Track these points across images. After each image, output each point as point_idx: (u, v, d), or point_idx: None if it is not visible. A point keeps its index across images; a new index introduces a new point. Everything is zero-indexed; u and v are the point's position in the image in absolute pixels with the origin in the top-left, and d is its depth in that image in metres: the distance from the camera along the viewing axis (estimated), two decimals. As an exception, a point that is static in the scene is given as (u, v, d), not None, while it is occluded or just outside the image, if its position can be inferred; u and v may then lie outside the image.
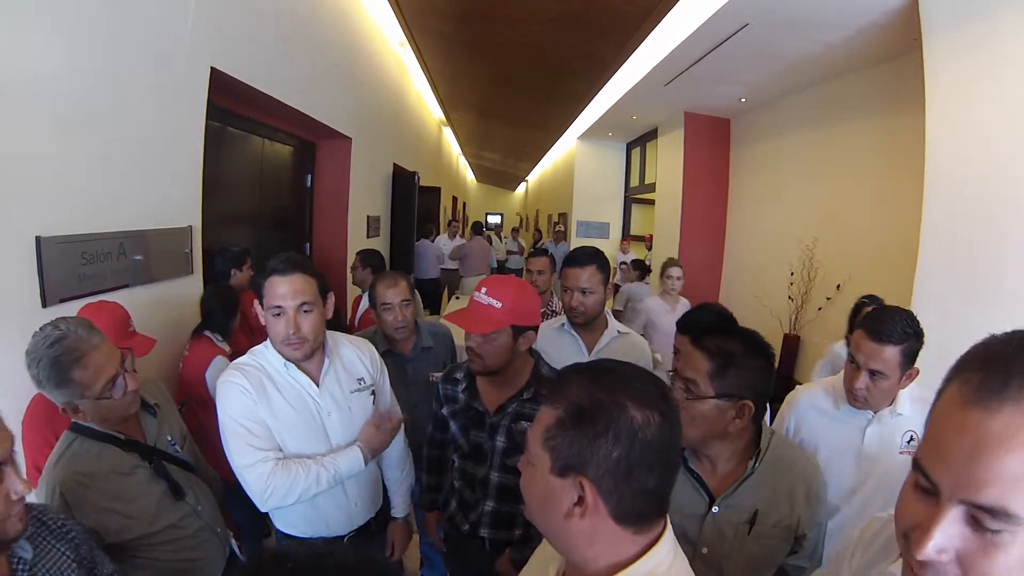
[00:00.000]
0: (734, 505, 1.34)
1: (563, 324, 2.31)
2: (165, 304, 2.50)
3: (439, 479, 2.01)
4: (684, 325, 2.03)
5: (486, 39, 6.28)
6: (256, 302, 1.64)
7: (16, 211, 1.74)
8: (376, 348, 1.99)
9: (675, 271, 4.29)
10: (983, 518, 0.57)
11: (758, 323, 5.89)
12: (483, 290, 1.66)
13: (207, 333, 2.48)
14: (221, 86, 2.85)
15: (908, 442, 1.73)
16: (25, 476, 1.01)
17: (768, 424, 1.45)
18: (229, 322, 2.54)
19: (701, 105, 6.72)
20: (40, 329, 1.38)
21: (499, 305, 1.63)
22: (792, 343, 5.56)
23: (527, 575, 1.02)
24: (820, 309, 5.22)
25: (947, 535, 0.59)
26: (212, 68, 2.69)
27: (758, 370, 1.30)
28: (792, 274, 5.48)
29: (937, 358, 0.61)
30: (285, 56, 3.60)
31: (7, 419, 1.52)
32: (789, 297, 5.56)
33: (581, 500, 0.76)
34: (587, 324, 2.25)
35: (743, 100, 6.19)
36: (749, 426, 1.34)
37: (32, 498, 1.18)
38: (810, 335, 5.42)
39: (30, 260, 1.79)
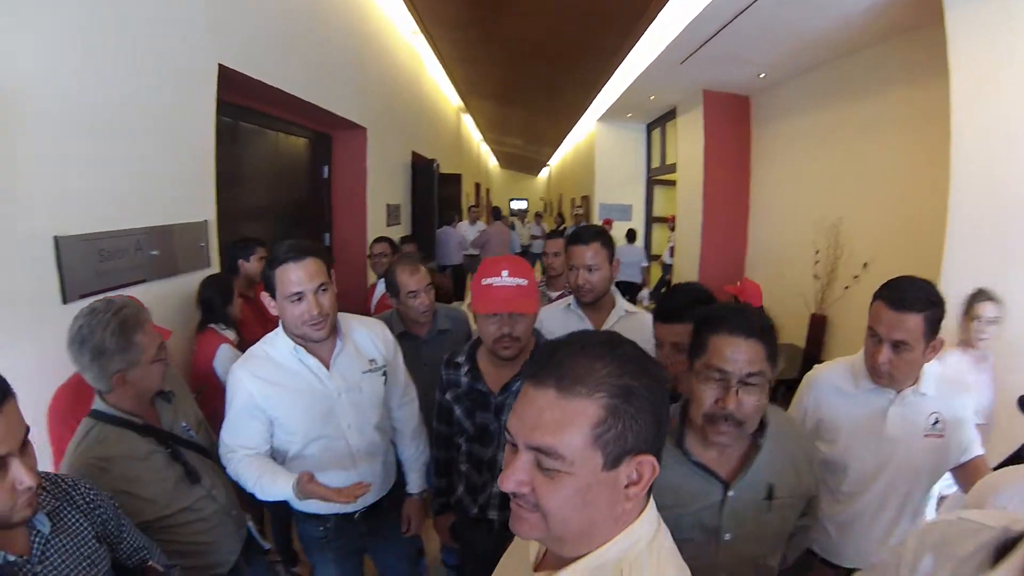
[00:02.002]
0: (749, 484, 1.31)
1: (569, 304, 2.30)
2: (182, 297, 2.57)
3: (449, 480, 1.98)
4: (670, 312, 1.80)
5: (499, 23, 6.24)
6: (264, 293, 1.68)
7: (35, 211, 1.80)
8: (392, 331, 2.03)
9: (989, 309, 2.66)
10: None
11: (783, 303, 5.83)
12: (504, 273, 1.63)
13: (211, 326, 2.54)
14: (231, 82, 2.89)
15: (933, 424, 1.64)
16: (36, 466, 1.06)
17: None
18: (227, 307, 2.58)
19: (720, 82, 6.60)
20: (89, 306, 1.52)
21: (526, 283, 1.64)
22: (819, 322, 5.47)
23: (506, 566, 1.01)
24: (847, 288, 5.12)
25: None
26: (220, 65, 2.73)
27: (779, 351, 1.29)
28: (817, 252, 5.38)
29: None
30: (295, 50, 3.63)
31: (30, 409, 1.61)
32: (815, 276, 5.47)
33: (635, 481, 0.77)
34: (594, 303, 2.24)
35: (762, 76, 6.05)
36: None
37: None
38: (837, 314, 5.32)
39: (50, 259, 1.86)
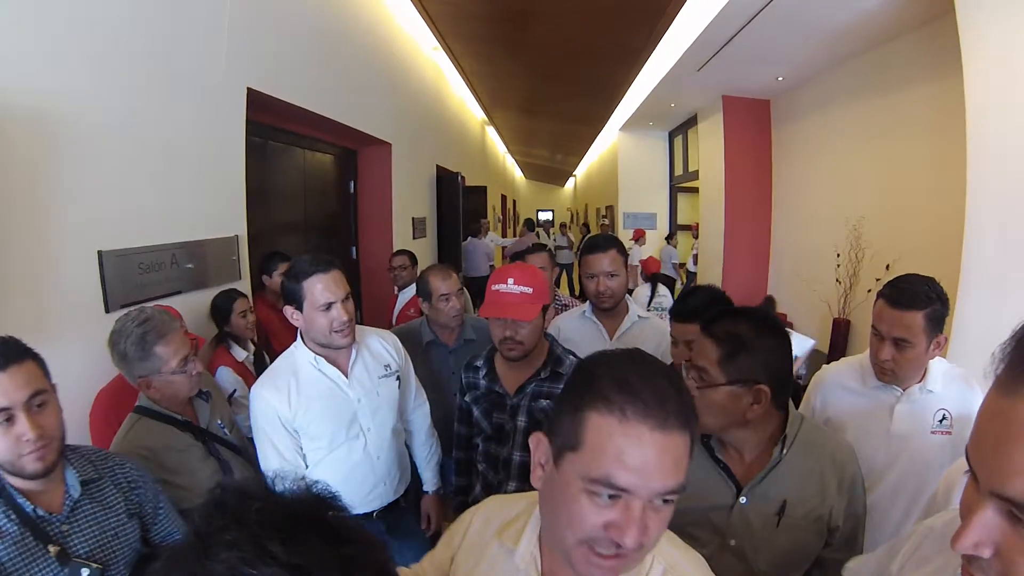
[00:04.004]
0: (762, 495, 1.28)
1: (584, 312, 2.38)
2: (215, 308, 2.73)
3: (469, 480, 2.05)
4: (685, 313, 1.93)
5: (518, 37, 6.37)
6: (289, 308, 1.78)
7: (80, 228, 1.96)
8: (422, 339, 2.13)
9: None
10: (1016, 511, 0.53)
11: (807, 308, 5.79)
12: (510, 280, 1.73)
13: (225, 344, 2.65)
14: (259, 103, 3.06)
15: (940, 421, 1.64)
16: (50, 425, 1.19)
17: (795, 409, 1.37)
18: (226, 322, 2.67)
19: (738, 87, 6.62)
20: (126, 313, 1.69)
21: (531, 291, 1.72)
22: (842, 327, 5.41)
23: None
24: (869, 291, 5.06)
25: (984, 528, 0.56)
26: (248, 88, 2.90)
27: (771, 351, 1.26)
28: (839, 255, 5.34)
29: (991, 335, 0.59)
30: (319, 70, 3.81)
31: (75, 409, 1.77)
32: (837, 280, 5.42)
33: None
34: (613, 308, 2.32)
35: (781, 79, 6.05)
36: (772, 411, 1.29)
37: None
38: (860, 319, 5.26)
39: (94, 272, 2.02)
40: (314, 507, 0.53)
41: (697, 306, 1.83)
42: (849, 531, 1.34)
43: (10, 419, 1.13)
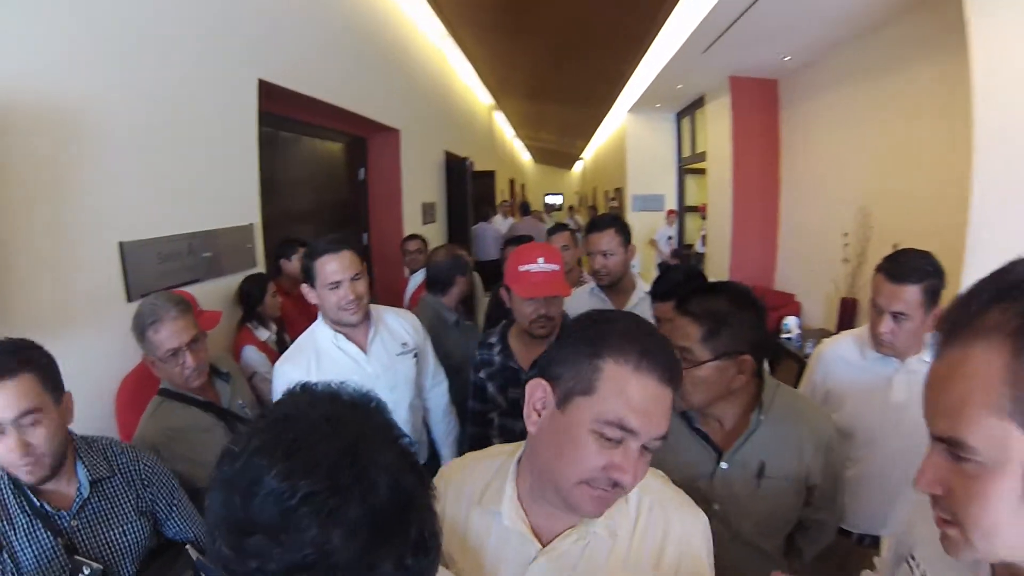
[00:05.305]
0: (741, 460, 1.34)
1: (591, 288, 2.45)
2: (232, 294, 2.82)
3: None
4: (663, 293, 2.01)
5: (523, 23, 6.36)
6: (305, 286, 1.87)
7: (102, 220, 2.03)
8: (447, 319, 2.20)
9: None
10: (952, 449, 0.62)
11: (814, 287, 5.81)
12: (540, 260, 1.79)
13: (248, 325, 2.76)
14: (270, 94, 3.11)
15: None
16: (44, 439, 1.20)
17: (770, 376, 1.45)
18: (260, 303, 2.79)
19: (745, 68, 6.55)
20: (148, 295, 1.79)
21: (558, 268, 1.80)
22: (849, 306, 5.43)
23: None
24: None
25: (934, 468, 0.65)
26: (260, 80, 2.95)
27: (749, 322, 1.31)
28: (846, 234, 5.34)
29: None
30: (329, 59, 3.85)
31: (99, 394, 1.86)
32: (844, 259, 5.43)
33: None
34: (613, 285, 2.38)
35: (787, 59, 6.00)
36: (751, 380, 1.35)
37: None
38: (867, 297, 5.23)
39: (116, 262, 2.09)
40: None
41: (675, 284, 1.90)
42: (828, 490, 1.43)
43: (2, 432, 1.14)
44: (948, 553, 0.67)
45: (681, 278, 1.95)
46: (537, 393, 0.89)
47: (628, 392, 0.79)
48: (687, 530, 0.96)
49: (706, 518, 1.00)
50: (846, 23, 4.86)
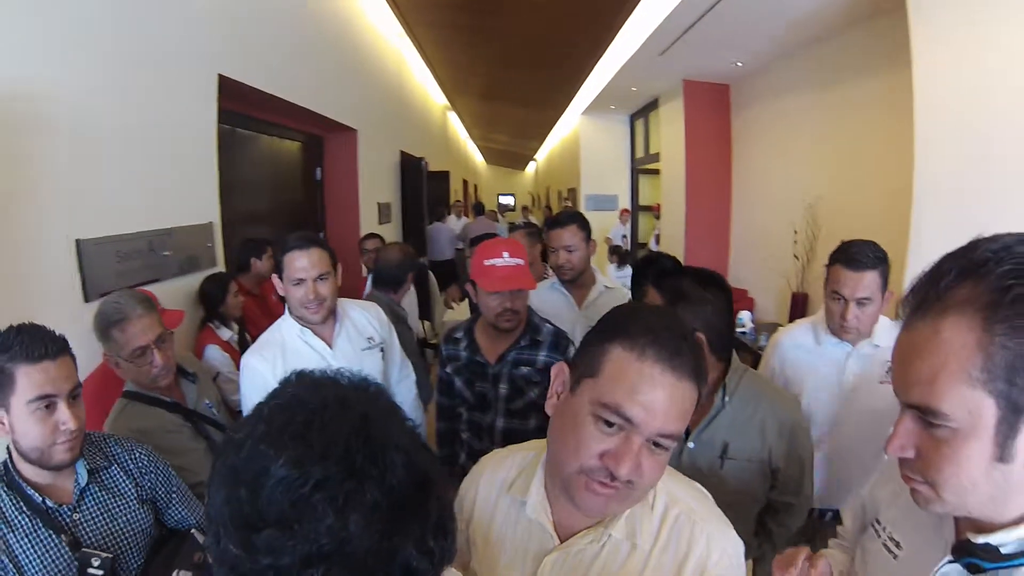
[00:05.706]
0: (707, 440, 1.41)
1: (553, 283, 2.49)
2: (193, 293, 2.74)
3: (452, 450, 2.11)
4: (644, 274, 2.09)
5: (480, 24, 6.36)
6: (275, 277, 1.85)
7: (56, 216, 1.94)
8: (401, 315, 2.17)
9: None
10: (922, 415, 0.68)
11: (767, 283, 6.00)
12: (505, 254, 1.80)
13: (210, 324, 2.70)
14: (229, 91, 3.03)
15: (888, 372, 1.70)
16: (83, 419, 1.22)
17: (738, 360, 1.50)
18: (223, 303, 2.73)
19: (699, 72, 6.74)
20: (109, 294, 1.73)
21: (523, 263, 1.81)
22: (800, 300, 5.65)
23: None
24: (825, 266, 5.26)
25: (906, 433, 0.71)
26: (220, 75, 2.87)
27: (708, 303, 1.37)
28: (796, 232, 5.55)
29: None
30: (288, 57, 3.77)
31: None
32: (795, 256, 5.64)
33: None
34: (575, 280, 2.42)
35: (739, 64, 6.20)
36: (714, 363, 1.40)
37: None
38: (817, 292, 5.45)
39: (72, 261, 2.00)
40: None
41: (666, 271, 1.96)
42: (794, 475, 1.48)
43: (51, 406, 1.15)
44: (919, 506, 0.73)
45: (670, 265, 2.05)
46: (560, 376, 0.89)
47: (629, 378, 0.76)
48: (714, 553, 0.87)
49: (743, 546, 0.92)
50: (797, 32, 5.05)
